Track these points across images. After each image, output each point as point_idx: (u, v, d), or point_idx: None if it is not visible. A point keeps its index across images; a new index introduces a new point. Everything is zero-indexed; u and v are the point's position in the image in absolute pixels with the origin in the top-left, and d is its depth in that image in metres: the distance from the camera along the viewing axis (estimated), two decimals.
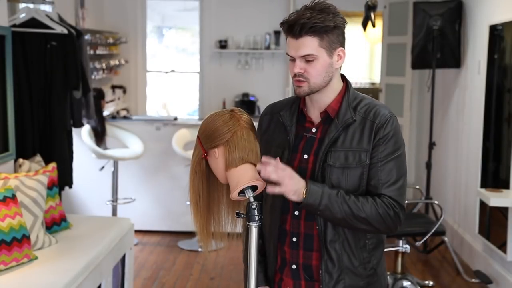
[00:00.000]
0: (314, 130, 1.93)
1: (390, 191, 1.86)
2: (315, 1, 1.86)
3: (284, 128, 1.96)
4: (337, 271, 1.89)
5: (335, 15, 1.84)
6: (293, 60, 1.86)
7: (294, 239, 1.93)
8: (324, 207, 1.80)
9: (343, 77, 1.97)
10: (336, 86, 1.93)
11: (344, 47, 1.90)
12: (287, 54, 1.88)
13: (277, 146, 1.96)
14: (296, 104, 1.99)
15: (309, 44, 1.83)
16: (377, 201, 1.84)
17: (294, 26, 1.82)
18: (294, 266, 1.95)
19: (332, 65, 1.87)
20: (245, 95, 7.24)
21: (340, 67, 1.93)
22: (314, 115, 1.95)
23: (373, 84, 10.73)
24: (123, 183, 5.54)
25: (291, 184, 1.79)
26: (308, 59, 1.83)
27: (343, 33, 1.89)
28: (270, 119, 2.03)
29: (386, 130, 1.86)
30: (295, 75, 1.86)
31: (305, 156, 1.91)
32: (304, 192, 1.79)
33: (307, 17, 1.81)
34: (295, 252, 1.93)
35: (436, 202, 4.86)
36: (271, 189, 1.80)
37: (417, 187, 5.76)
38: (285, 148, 1.94)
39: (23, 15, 4.05)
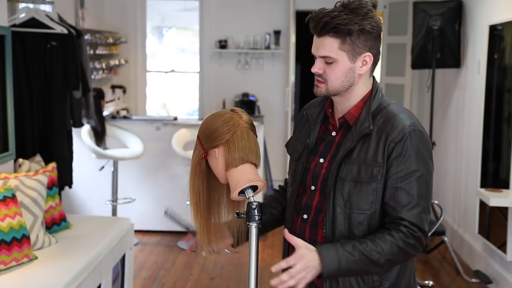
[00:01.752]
0: (334, 134, 1.87)
1: (411, 216, 1.71)
2: None
3: (308, 127, 1.93)
4: None
5: (364, 18, 1.72)
6: (314, 57, 1.80)
7: None
8: (346, 270, 1.70)
9: (373, 79, 1.86)
10: (361, 92, 1.82)
11: (373, 53, 1.77)
12: (311, 51, 1.81)
13: (301, 144, 1.94)
14: (323, 105, 1.94)
15: (329, 45, 1.74)
16: (395, 236, 1.70)
17: (318, 23, 1.74)
18: None
19: (354, 70, 1.76)
20: (245, 95, 7.24)
21: (370, 71, 1.81)
22: (337, 118, 1.88)
23: None
24: (123, 183, 5.54)
25: (309, 271, 1.67)
26: (327, 61, 1.75)
27: (374, 38, 1.76)
28: (303, 115, 1.99)
29: (404, 146, 1.71)
30: (314, 74, 1.80)
31: (321, 160, 1.86)
32: (320, 266, 1.68)
33: (333, 16, 1.71)
34: None
35: (436, 202, 4.87)
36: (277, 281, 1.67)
37: None
38: (305, 148, 1.90)
39: (23, 15, 4.05)
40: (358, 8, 1.73)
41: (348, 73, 1.77)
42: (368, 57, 1.77)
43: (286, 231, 1.77)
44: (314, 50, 1.78)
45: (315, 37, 1.78)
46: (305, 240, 1.78)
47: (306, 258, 1.68)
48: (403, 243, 1.70)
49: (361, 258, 1.69)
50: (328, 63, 1.76)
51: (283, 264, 1.70)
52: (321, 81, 1.79)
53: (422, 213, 1.72)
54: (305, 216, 1.88)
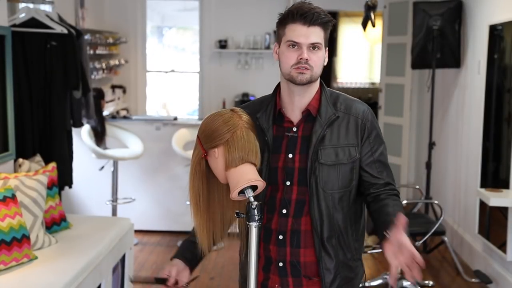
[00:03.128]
0: (295, 129, 1.95)
1: (390, 178, 1.98)
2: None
3: (261, 130, 1.95)
4: (335, 266, 1.94)
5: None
6: (293, 47, 1.87)
7: (281, 237, 1.94)
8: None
9: None
10: (316, 86, 1.97)
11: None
12: (291, 40, 1.87)
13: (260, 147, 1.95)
14: (271, 105, 2.00)
15: (319, 33, 1.88)
16: (395, 198, 1.93)
17: (308, 14, 1.86)
18: (280, 264, 1.96)
19: (325, 60, 1.93)
20: (245, 95, 7.25)
21: None
22: (294, 114, 1.96)
23: (373, 84, 10.73)
24: (123, 183, 5.54)
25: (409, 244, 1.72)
26: (316, 46, 1.88)
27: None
28: (256, 123, 1.99)
29: (372, 125, 1.96)
30: (298, 62, 1.87)
31: (290, 156, 1.93)
32: None
33: (319, 10, 1.88)
34: (282, 250, 1.94)
35: (436, 202, 4.87)
36: (410, 277, 1.75)
37: (417, 187, 5.77)
38: (264, 150, 1.94)
39: (23, 15, 4.05)
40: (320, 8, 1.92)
41: (323, 61, 1.93)
42: (327, 50, 1.95)
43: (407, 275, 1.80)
44: (302, 39, 1.87)
45: (300, 27, 1.87)
46: (286, 231, 1.92)
47: (403, 239, 1.71)
48: (397, 198, 1.96)
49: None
50: (314, 49, 1.88)
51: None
52: (308, 68, 1.88)
53: (391, 173, 2.01)
54: (284, 211, 1.93)
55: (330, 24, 1.90)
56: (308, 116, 1.95)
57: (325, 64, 1.95)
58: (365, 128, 1.94)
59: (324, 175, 1.89)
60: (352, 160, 1.92)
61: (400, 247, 1.69)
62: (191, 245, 2.03)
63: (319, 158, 1.89)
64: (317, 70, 1.90)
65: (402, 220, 1.71)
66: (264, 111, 1.99)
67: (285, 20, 1.90)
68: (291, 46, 1.88)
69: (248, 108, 2.01)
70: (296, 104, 1.96)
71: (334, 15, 10.37)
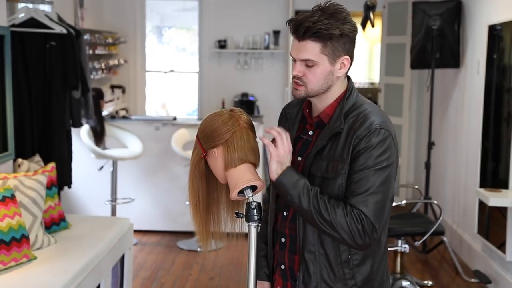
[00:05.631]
0: (311, 133, 1.91)
1: (361, 203, 1.73)
2: (329, 2, 1.79)
3: (287, 126, 1.95)
4: (313, 282, 1.84)
5: (344, 23, 1.76)
6: (294, 61, 1.83)
7: (283, 239, 1.93)
8: (295, 193, 1.76)
9: (348, 80, 1.90)
10: (336, 92, 1.86)
11: (350, 55, 1.82)
12: (290, 54, 1.84)
13: None
14: (301, 104, 1.97)
15: (311, 49, 1.77)
16: (348, 209, 1.73)
17: (299, 28, 1.77)
18: (282, 267, 1.95)
19: (333, 73, 1.81)
20: (244, 95, 7.25)
21: (345, 74, 1.86)
22: (314, 117, 1.92)
23: (372, 84, 10.73)
24: (122, 183, 5.54)
25: (282, 155, 1.78)
26: (308, 64, 1.79)
27: (351, 41, 1.81)
28: (282, 115, 2.02)
29: (367, 142, 1.75)
30: (294, 77, 1.83)
31: (299, 159, 1.89)
32: (282, 171, 1.79)
33: (314, 20, 1.75)
34: (282, 253, 1.94)
35: (435, 202, 4.86)
36: (266, 141, 1.80)
37: (416, 187, 5.77)
38: None
39: (22, 15, 4.05)
40: (337, 12, 1.77)
41: (328, 76, 1.81)
42: (346, 59, 1.82)
43: (260, 135, 1.85)
44: (294, 54, 1.81)
45: (295, 41, 1.81)
46: (285, 235, 1.89)
47: (288, 154, 1.80)
48: (350, 220, 1.72)
49: (313, 198, 1.74)
50: (309, 66, 1.79)
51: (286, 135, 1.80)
52: (300, 84, 1.82)
53: (376, 204, 1.74)
54: (285, 213, 1.92)
55: (328, 35, 1.74)
56: (322, 123, 1.87)
57: (340, 75, 1.82)
58: (357, 144, 1.75)
59: (315, 186, 1.80)
60: (337, 175, 1.77)
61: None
62: (263, 260, 2.02)
63: (311, 169, 1.83)
64: (313, 86, 1.80)
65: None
66: (295, 107, 1.97)
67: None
68: (292, 59, 1.85)
69: (292, 102, 2.02)
70: (315, 108, 1.90)
71: None
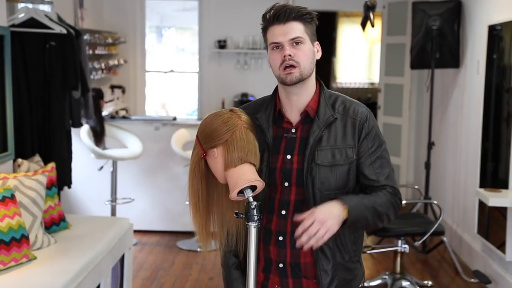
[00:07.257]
0: (293, 130, 1.94)
1: (390, 181, 1.93)
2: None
3: (261, 130, 1.95)
4: (332, 268, 1.93)
5: (311, 13, 1.91)
6: (277, 49, 1.88)
7: (281, 238, 1.93)
8: (362, 217, 1.84)
9: (316, 77, 2.00)
10: (313, 85, 1.96)
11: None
12: (272, 43, 1.89)
13: (260, 147, 1.94)
14: (271, 105, 2.00)
15: (297, 28, 1.87)
16: (386, 193, 1.90)
17: (281, 13, 1.86)
18: (281, 265, 1.95)
19: (314, 54, 1.92)
20: (244, 95, 7.25)
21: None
22: (293, 115, 1.96)
23: (372, 84, 10.73)
24: (122, 183, 5.54)
25: (332, 220, 1.77)
26: (297, 41, 1.86)
27: (315, 31, 1.95)
28: (257, 124, 2.00)
29: (370, 126, 1.93)
30: (283, 61, 1.87)
31: (288, 157, 1.92)
32: (344, 210, 1.80)
33: (291, 6, 1.88)
34: (282, 251, 1.94)
35: (435, 202, 4.87)
36: (320, 242, 1.77)
37: (416, 187, 5.78)
38: (264, 150, 1.94)
39: (22, 15, 4.05)
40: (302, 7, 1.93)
41: (312, 55, 1.90)
42: (318, 45, 1.94)
43: (296, 216, 1.81)
44: (280, 38, 1.87)
45: (277, 27, 1.88)
46: (286, 233, 1.92)
47: (321, 211, 1.77)
48: (392, 199, 1.91)
49: (369, 206, 1.86)
50: (297, 44, 1.87)
51: (300, 230, 1.77)
52: (294, 66, 1.87)
53: (394, 177, 1.98)
54: (283, 212, 1.93)
55: (308, 16, 1.89)
56: (307, 117, 1.94)
57: (318, 58, 1.94)
58: (362, 129, 1.91)
59: (321, 176, 1.88)
60: (349, 161, 1.90)
61: (311, 216, 1.77)
62: (235, 273, 2.05)
63: (316, 159, 1.88)
64: (305, 65, 1.88)
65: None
66: (264, 112, 1.99)
67: (264, 26, 1.92)
68: (275, 48, 1.90)
69: (248, 109, 2.01)
70: (294, 105, 1.95)
71: (333, 15, 10.40)
